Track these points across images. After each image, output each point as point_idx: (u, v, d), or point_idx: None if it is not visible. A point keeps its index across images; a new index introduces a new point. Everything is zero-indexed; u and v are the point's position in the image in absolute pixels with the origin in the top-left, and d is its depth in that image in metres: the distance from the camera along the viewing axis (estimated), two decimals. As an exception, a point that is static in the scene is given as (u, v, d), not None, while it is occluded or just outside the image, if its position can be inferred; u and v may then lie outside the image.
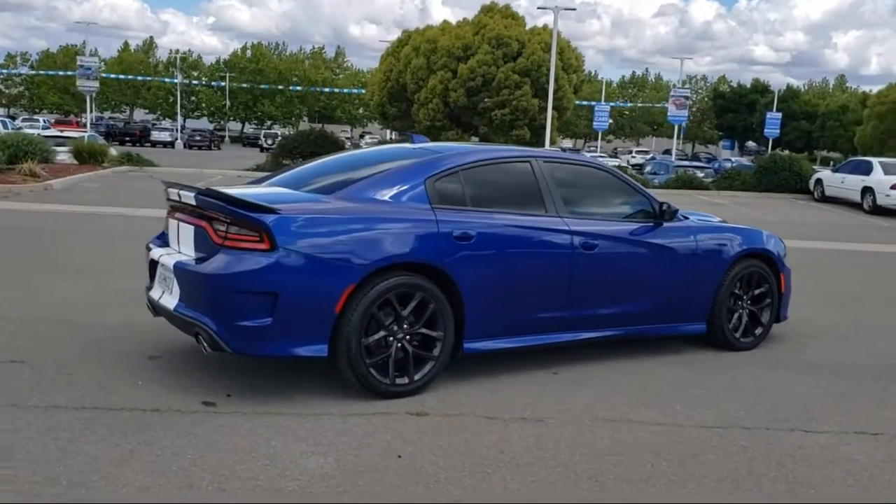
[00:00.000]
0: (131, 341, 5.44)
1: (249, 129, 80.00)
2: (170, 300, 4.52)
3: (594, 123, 49.82)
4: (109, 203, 14.90)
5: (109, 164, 22.48)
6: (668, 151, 61.28)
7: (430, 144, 5.56)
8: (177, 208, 4.81)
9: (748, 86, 78.50)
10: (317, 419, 4.16)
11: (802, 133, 71.13)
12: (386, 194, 4.62)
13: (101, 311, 6.31)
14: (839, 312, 7.64)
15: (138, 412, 4.12)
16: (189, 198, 4.48)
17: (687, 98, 48.60)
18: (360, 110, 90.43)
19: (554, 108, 24.14)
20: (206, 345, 4.23)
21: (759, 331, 6.14)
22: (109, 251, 9.49)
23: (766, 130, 53.67)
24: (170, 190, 4.78)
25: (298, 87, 77.39)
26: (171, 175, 22.81)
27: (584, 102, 52.09)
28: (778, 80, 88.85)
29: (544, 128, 25.39)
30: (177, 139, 54.76)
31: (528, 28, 30.85)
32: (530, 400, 4.63)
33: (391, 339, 4.48)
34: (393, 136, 45.99)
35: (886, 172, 20.76)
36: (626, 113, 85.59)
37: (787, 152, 60.40)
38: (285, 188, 4.95)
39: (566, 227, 5.10)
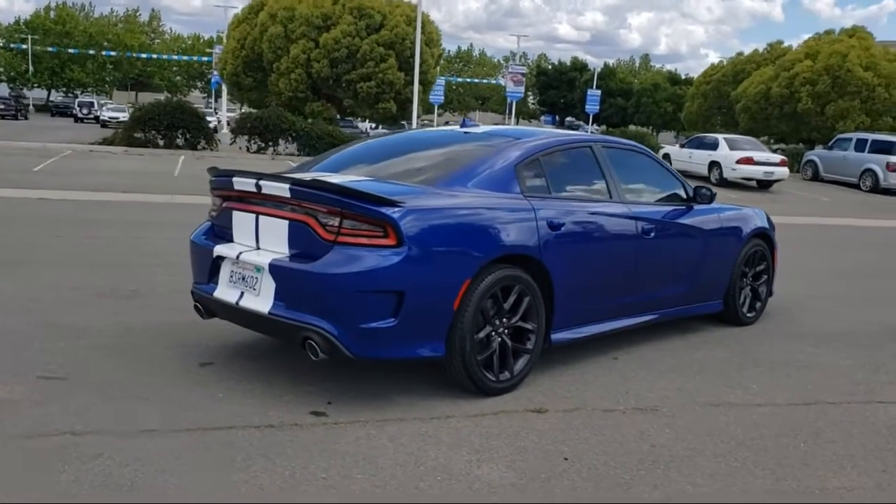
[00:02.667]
0: (158, 346, 4.87)
1: (57, 96, 73.32)
2: (258, 302, 4.05)
3: (430, 97, 50.21)
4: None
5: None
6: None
7: (493, 128, 5.37)
8: (241, 198, 4.31)
9: (568, 63, 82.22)
10: (445, 423, 3.92)
11: (619, 109, 75.57)
12: (482, 183, 4.39)
13: (82, 312, 5.58)
14: (778, 283, 8.12)
15: (253, 430, 3.69)
16: (278, 189, 4.01)
17: (524, 75, 50.11)
18: (179, 78, 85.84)
19: (419, 82, 24.04)
20: (319, 350, 3.84)
21: (758, 305, 6.48)
22: (5, 239, 8.37)
23: (586, 107, 56.25)
24: (236, 179, 4.26)
25: (112, 53, 71.88)
26: (11, 150, 20.53)
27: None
28: (582, 59, 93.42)
29: (410, 101, 25.22)
30: (-25, 107, 49.08)
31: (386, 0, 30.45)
32: (624, 388, 4.61)
33: (493, 333, 4.30)
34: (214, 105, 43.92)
35: (732, 148, 22.53)
36: (455, 87, 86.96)
37: (603, 126, 64.35)
38: (348, 175, 4.57)
39: (631, 213, 5.10)
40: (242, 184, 4.23)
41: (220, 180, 4.44)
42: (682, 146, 25.45)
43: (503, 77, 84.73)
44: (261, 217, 4.17)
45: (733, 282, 6.11)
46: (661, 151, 26.20)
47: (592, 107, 55.93)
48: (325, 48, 27.91)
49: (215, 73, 38.03)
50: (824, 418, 4.31)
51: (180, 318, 5.48)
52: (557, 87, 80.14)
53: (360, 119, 48.81)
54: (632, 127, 71.89)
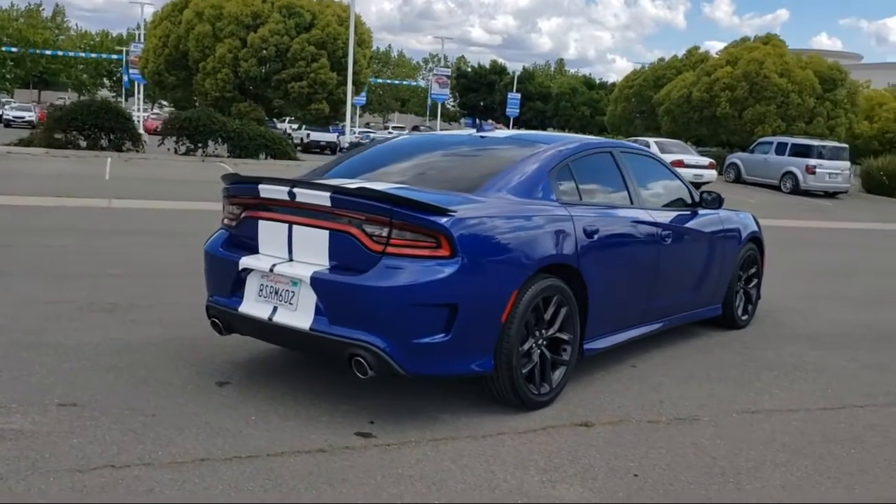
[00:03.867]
0: (165, 365, 4.53)
1: (-48, 95, 69.26)
2: (295, 318, 3.79)
3: (353, 99, 49.88)
4: None
5: None
6: (416, 128, 62.97)
7: (513, 133, 5.22)
8: (266, 207, 4.03)
9: (487, 66, 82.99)
10: (498, 441, 3.75)
11: (538, 112, 76.68)
12: (519, 190, 4.23)
13: (68, 329, 5.17)
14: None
15: (305, 455, 3.44)
16: (316, 197, 3.76)
17: (448, 77, 50.27)
18: (86, 76, 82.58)
19: (352, 82, 23.69)
20: (368, 367, 3.61)
21: (750, 308, 6.56)
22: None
23: (507, 110, 57.08)
24: (263, 187, 3.97)
25: (13, 49, 68.35)
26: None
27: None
28: (501, 63, 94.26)
29: (343, 102, 24.83)
30: None
31: (316, -1, 29.94)
32: (657, 398, 4.55)
33: (534, 346, 4.16)
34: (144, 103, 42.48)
35: (662, 151, 22.97)
36: (374, 88, 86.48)
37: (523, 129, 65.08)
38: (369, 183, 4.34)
39: (652, 219, 5.05)
40: (271, 191, 3.95)
41: (240, 187, 4.15)
42: (614, 149, 25.81)
43: (423, 79, 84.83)
44: (294, 227, 3.90)
45: (731, 285, 6.15)
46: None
47: (513, 110, 56.74)
48: (253, 47, 27.21)
49: (133, 71, 36.63)
50: (859, 423, 4.35)
51: (172, 334, 5.17)
52: (477, 90, 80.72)
53: (279, 120, 47.90)
54: (550, 130, 73.21)
